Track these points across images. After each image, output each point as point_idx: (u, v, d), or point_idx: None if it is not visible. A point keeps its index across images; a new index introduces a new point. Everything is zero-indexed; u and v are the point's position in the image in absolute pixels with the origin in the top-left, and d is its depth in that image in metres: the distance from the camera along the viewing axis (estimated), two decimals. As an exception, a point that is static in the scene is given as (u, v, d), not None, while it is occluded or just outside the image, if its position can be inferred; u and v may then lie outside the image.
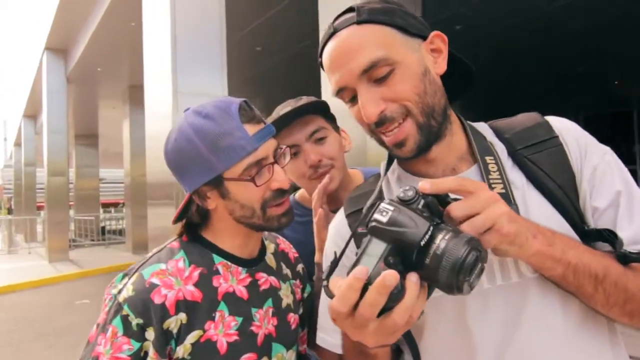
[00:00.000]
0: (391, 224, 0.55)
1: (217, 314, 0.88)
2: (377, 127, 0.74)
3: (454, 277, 0.53)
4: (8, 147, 29.26)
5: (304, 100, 1.06)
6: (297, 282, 1.07)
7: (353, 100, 0.77)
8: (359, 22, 0.73)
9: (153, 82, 3.92)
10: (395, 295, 0.53)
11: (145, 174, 4.20)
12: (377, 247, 0.55)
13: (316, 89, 5.45)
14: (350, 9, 0.76)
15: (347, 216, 0.87)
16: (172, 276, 0.87)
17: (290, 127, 1.03)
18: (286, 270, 1.05)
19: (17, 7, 19.08)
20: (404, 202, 0.58)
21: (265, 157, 0.88)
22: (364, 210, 0.72)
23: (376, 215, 0.56)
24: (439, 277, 0.53)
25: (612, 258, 0.67)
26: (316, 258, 1.02)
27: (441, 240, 0.54)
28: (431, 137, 0.74)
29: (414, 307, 0.54)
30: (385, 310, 0.54)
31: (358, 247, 0.75)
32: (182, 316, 0.84)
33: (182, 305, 0.85)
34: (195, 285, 0.88)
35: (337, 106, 1.10)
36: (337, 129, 1.11)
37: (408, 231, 0.54)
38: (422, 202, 0.58)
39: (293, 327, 1.00)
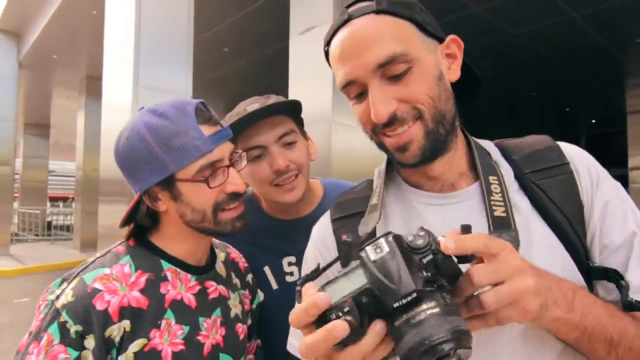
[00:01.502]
0: (377, 266, 0.47)
1: (163, 322, 0.84)
2: (384, 128, 0.69)
3: (415, 356, 0.45)
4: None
5: (274, 98, 0.98)
6: (246, 292, 1.03)
7: (360, 96, 0.70)
8: (377, 12, 0.67)
9: (113, 73, 3.79)
10: (348, 339, 0.47)
11: (99, 169, 4.03)
12: (357, 278, 0.49)
13: (283, 94, 5.45)
14: None
15: (333, 221, 0.81)
16: (116, 281, 0.83)
17: (257, 126, 0.93)
18: (236, 280, 1.01)
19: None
20: (409, 249, 0.48)
21: (220, 159, 0.85)
22: (366, 229, 0.69)
23: (369, 248, 0.49)
24: (401, 346, 0.46)
25: (629, 319, 0.62)
26: None
27: (424, 311, 0.46)
28: (437, 145, 0.69)
29: (370, 354, 0.49)
30: (340, 344, 0.48)
31: (340, 251, 0.74)
32: (126, 323, 0.80)
33: (127, 312, 0.81)
34: (141, 291, 0.84)
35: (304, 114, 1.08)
36: (305, 134, 1.05)
37: (388, 285, 0.47)
38: (430, 257, 0.48)
39: (241, 337, 0.97)
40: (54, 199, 31.93)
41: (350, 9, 0.69)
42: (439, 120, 0.69)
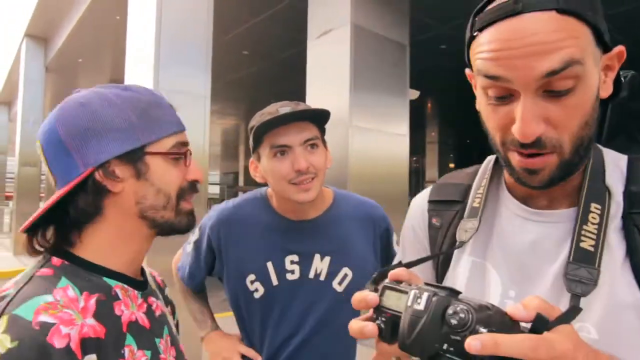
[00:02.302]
0: (407, 314, 0.48)
1: (126, 350, 0.70)
2: (521, 146, 0.59)
3: None
4: (-21, 134, 28.28)
5: (303, 105, 1.04)
6: (169, 309, 0.92)
7: (502, 99, 0.60)
8: (561, 11, 0.54)
9: (134, 77, 3.87)
10: (385, 337, 0.53)
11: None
12: (403, 301, 0.51)
13: (301, 97, 5.45)
14: None
15: (429, 202, 0.80)
16: (67, 309, 0.64)
17: (287, 127, 0.98)
18: (160, 295, 0.90)
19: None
20: (447, 324, 0.45)
21: (186, 142, 0.80)
22: (462, 236, 0.68)
23: (412, 292, 0.49)
24: None
25: None
26: None
27: None
28: (568, 171, 0.61)
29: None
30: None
31: (430, 236, 0.77)
32: (92, 358, 0.64)
33: (89, 344, 0.64)
34: (95, 316, 0.67)
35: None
36: (325, 143, 1.11)
37: (404, 333, 0.48)
38: (465, 338, 0.43)
39: (185, 357, 0.86)
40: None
41: None
42: (577, 148, 0.59)
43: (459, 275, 0.70)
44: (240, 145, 23.81)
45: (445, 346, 0.45)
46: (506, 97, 0.59)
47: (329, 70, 5.06)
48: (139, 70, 3.74)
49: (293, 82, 10.14)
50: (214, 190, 31.46)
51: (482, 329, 0.43)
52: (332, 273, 0.96)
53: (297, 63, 8.12)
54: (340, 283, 0.96)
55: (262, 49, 9.09)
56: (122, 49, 4.22)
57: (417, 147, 19.20)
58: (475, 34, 0.62)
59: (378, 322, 0.52)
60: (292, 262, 0.96)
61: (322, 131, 1.07)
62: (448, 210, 0.75)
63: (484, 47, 0.59)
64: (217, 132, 19.06)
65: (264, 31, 8.10)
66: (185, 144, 0.79)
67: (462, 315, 0.45)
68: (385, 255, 1.06)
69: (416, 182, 20.41)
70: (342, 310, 0.89)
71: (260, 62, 9.86)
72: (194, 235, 1.09)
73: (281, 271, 0.95)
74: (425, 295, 0.48)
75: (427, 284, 0.51)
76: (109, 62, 11.47)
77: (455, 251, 0.71)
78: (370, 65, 4.99)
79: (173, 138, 0.77)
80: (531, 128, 0.56)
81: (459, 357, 0.44)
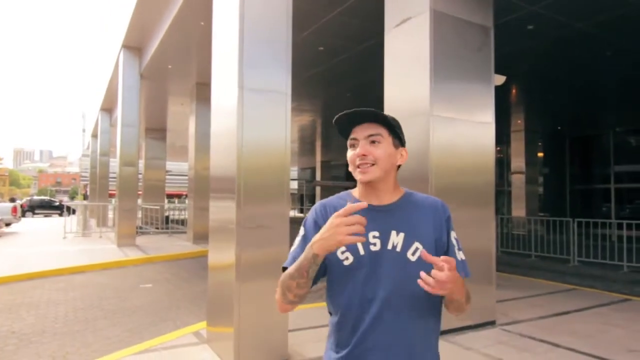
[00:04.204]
0: None
1: None
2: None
3: None
4: (86, 138, 31.58)
5: (383, 113, 1.27)
6: None
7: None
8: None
9: (220, 79, 4.05)
10: None
11: (209, 168, 4.34)
12: None
13: (378, 90, 5.36)
14: None
15: None
16: None
17: (360, 125, 1.27)
18: None
19: (99, 7, 20.51)
20: None
21: None
22: None
23: None
24: None
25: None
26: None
27: None
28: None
29: None
30: None
31: None
32: None
33: None
34: None
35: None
36: (397, 145, 1.29)
37: None
38: None
39: None
40: (170, 196, 35.23)
41: None
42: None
43: None
44: (317, 141, 24.10)
45: None
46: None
47: (407, 59, 4.93)
48: (224, 72, 3.91)
49: (370, 76, 10.04)
50: (293, 185, 32.20)
51: None
52: (406, 246, 1.20)
53: (374, 55, 8.01)
54: (413, 254, 1.19)
55: (338, 44, 9.09)
56: (207, 53, 4.45)
57: (501, 135, 18.07)
58: None
59: None
60: (374, 237, 1.21)
61: (394, 135, 1.28)
62: None
63: None
64: (294, 128, 19.45)
65: (340, 25, 8.10)
66: None
67: None
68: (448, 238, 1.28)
69: (500, 173, 19.27)
70: (415, 276, 1.07)
71: (335, 57, 9.88)
72: (300, 233, 1.30)
73: (366, 244, 1.20)
74: None
75: None
76: (196, 67, 12.17)
77: None
78: (452, 52, 4.77)
79: None
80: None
81: None
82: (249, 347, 3.50)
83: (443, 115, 4.63)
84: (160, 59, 11.56)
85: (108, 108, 20.89)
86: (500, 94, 7.46)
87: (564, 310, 5.56)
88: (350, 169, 1.29)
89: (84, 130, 32.15)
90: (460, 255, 1.26)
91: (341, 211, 1.05)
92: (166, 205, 21.01)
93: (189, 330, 4.60)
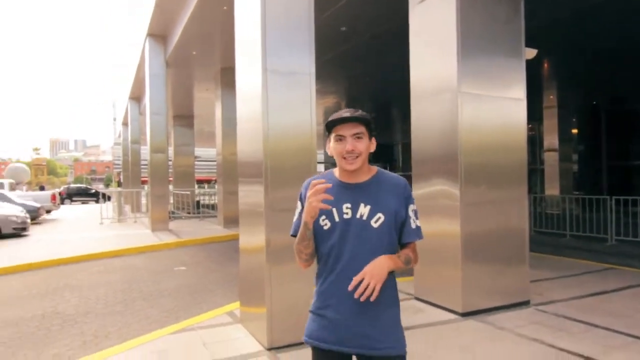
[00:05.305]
0: None
1: None
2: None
3: None
4: (117, 127, 32.40)
5: (359, 112, 1.55)
6: None
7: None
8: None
9: (243, 62, 4.04)
10: None
11: (236, 153, 4.38)
12: None
13: (404, 68, 5.24)
14: None
15: None
16: None
17: (346, 124, 1.55)
18: None
19: (124, -3, 20.74)
20: None
21: None
22: None
23: None
24: None
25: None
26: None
27: None
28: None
29: None
30: None
31: None
32: None
33: None
34: None
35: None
36: (370, 136, 1.60)
37: None
38: None
39: None
40: (200, 182, 35.90)
41: None
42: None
43: None
44: (343, 123, 23.92)
45: None
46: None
47: (433, 35, 4.79)
48: (248, 55, 3.90)
49: (394, 55, 9.83)
50: (320, 168, 32.25)
51: None
52: (370, 216, 1.55)
53: (398, 33, 7.85)
54: (375, 222, 1.54)
55: (361, 23, 8.93)
56: (231, 38, 4.44)
57: (533, 112, 17.43)
58: None
59: None
60: (346, 208, 1.57)
61: (369, 128, 1.58)
62: None
63: None
64: (320, 111, 19.36)
65: (362, 4, 7.94)
66: None
67: None
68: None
69: (532, 151, 18.71)
70: (374, 238, 1.53)
71: (358, 37, 9.72)
72: (297, 206, 1.69)
73: (340, 213, 1.57)
74: None
75: None
76: (219, 52, 12.23)
77: None
78: (479, 25, 4.60)
79: None
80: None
81: None
82: (280, 326, 3.57)
83: (471, 92, 4.51)
84: (184, 45, 11.65)
85: (137, 97, 21.31)
86: (533, 68, 7.19)
87: (601, 289, 5.42)
88: (336, 158, 1.58)
89: (114, 119, 33.01)
90: (416, 223, 1.60)
91: (311, 191, 1.47)
92: (196, 191, 21.45)
93: (223, 311, 4.73)
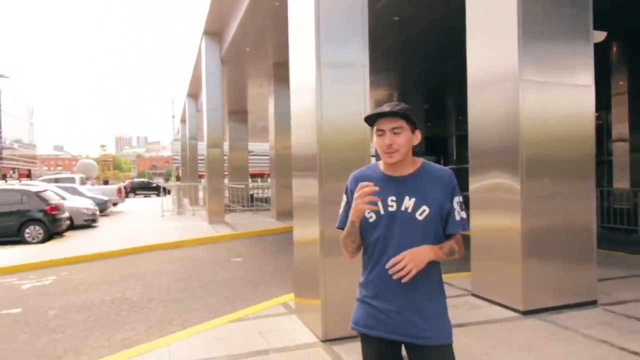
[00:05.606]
0: None
1: None
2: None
3: None
4: (176, 124, 33.87)
5: (400, 106, 1.57)
6: None
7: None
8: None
9: (297, 56, 4.07)
10: None
11: (290, 147, 4.44)
12: None
13: (460, 56, 5.08)
14: None
15: None
16: None
17: (385, 118, 1.58)
18: None
19: (181, -2, 21.53)
20: None
21: None
22: None
23: None
24: None
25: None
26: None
27: None
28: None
29: None
30: None
31: None
32: None
33: None
34: None
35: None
36: (413, 129, 1.61)
37: None
38: None
39: None
40: (253, 176, 36.80)
41: None
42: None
43: None
44: (394, 115, 23.57)
45: None
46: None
47: (492, 20, 4.58)
48: (302, 48, 3.93)
49: (449, 44, 9.52)
50: (373, 162, 32.02)
51: None
52: (415, 208, 1.56)
53: (453, 22, 7.59)
54: (420, 215, 1.56)
55: (414, 12, 8.73)
56: (284, 32, 4.50)
57: (600, 99, 16.27)
58: None
59: None
60: (391, 200, 1.59)
61: (410, 122, 1.59)
62: None
63: None
64: (371, 103, 19.21)
65: (415, -7, 7.76)
66: None
67: None
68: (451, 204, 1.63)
69: (600, 141, 17.50)
70: (419, 230, 1.55)
71: (411, 27, 9.51)
72: (343, 200, 1.75)
73: (385, 206, 1.59)
74: None
75: None
76: (272, 47, 12.42)
77: None
78: (542, 8, 4.35)
79: None
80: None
81: None
82: (334, 318, 3.60)
83: (534, 79, 4.28)
84: (238, 42, 11.93)
85: (194, 94, 22.13)
86: (601, 52, 6.70)
87: (679, 290, 5.00)
88: (379, 151, 1.63)
89: (173, 116, 34.51)
90: (461, 215, 1.59)
91: (358, 193, 1.51)
92: (250, 184, 22.00)
93: (278, 302, 4.84)
